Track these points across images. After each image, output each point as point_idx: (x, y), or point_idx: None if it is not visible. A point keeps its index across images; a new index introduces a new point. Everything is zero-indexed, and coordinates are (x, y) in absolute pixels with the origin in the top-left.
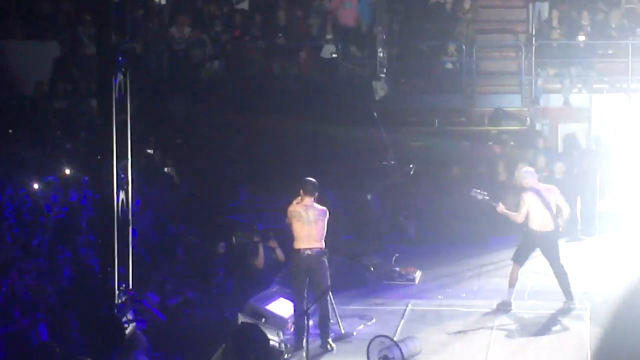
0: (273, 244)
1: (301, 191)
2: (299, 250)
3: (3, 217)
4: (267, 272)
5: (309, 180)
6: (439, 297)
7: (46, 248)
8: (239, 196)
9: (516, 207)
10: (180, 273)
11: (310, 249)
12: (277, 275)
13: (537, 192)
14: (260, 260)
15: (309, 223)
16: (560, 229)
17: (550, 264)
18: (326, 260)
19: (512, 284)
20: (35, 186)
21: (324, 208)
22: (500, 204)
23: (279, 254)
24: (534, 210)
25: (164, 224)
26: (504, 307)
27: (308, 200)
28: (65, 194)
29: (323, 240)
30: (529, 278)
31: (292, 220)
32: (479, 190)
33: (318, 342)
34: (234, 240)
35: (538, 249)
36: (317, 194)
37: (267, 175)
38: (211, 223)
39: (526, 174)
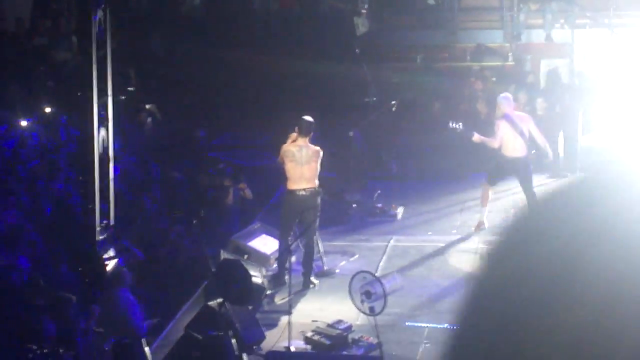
0: (242, 185)
1: (296, 129)
2: (293, 191)
3: None
4: (235, 209)
5: (305, 119)
6: (429, 233)
7: (27, 185)
8: (220, 133)
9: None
10: (162, 210)
11: (304, 189)
12: (259, 212)
13: (510, 119)
14: (230, 199)
15: (301, 164)
16: (550, 156)
17: (524, 191)
18: (319, 201)
19: (484, 204)
20: (23, 123)
21: (318, 148)
22: (475, 133)
23: (247, 193)
24: (506, 136)
25: (145, 161)
26: (479, 227)
27: (302, 140)
28: (46, 131)
29: (316, 180)
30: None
31: (285, 159)
32: (454, 122)
33: (300, 278)
34: (200, 182)
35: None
36: (312, 134)
37: (247, 111)
38: (193, 160)
39: (503, 100)
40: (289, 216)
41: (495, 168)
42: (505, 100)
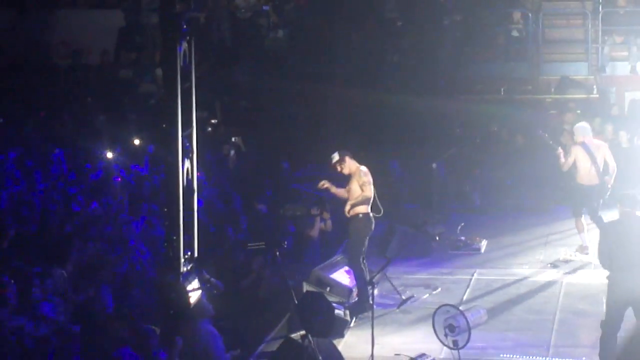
0: (326, 215)
1: (347, 157)
2: (369, 214)
3: (67, 186)
4: (316, 241)
5: (342, 151)
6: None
7: (112, 216)
8: (302, 165)
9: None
10: (245, 241)
11: (370, 213)
12: (341, 244)
13: (586, 147)
14: (315, 231)
15: (373, 187)
16: (609, 185)
17: (591, 218)
18: None
19: (581, 231)
20: (109, 155)
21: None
22: (560, 148)
23: (329, 224)
24: (580, 164)
25: (228, 193)
26: (582, 251)
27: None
28: (130, 163)
29: None
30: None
31: (369, 182)
32: (543, 131)
33: (384, 311)
34: (283, 213)
35: None
36: None
37: (327, 143)
38: (276, 192)
39: (581, 129)
40: (364, 241)
41: (574, 199)
42: (583, 129)
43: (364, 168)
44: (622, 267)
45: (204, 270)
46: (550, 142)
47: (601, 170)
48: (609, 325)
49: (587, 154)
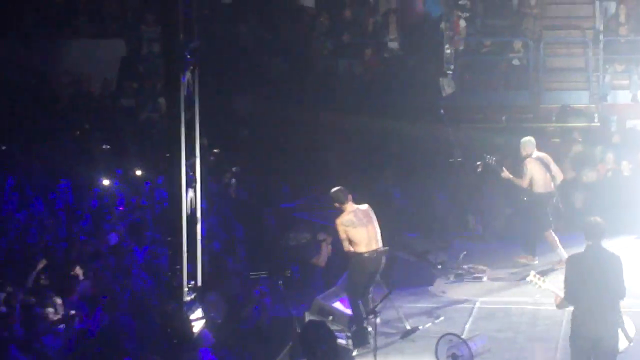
0: (329, 239)
1: (336, 204)
2: (365, 253)
3: (70, 216)
4: (319, 268)
5: (335, 190)
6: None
7: (114, 246)
8: (306, 193)
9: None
10: (247, 269)
11: (376, 250)
12: (343, 273)
13: (537, 159)
14: (322, 259)
15: (364, 224)
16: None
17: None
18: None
19: (555, 246)
20: (105, 182)
21: (366, 205)
22: (504, 169)
23: (329, 249)
24: (537, 175)
25: (229, 221)
26: (559, 264)
27: (349, 205)
28: (132, 192)
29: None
30: None
31: (347, 230)
32: (490, 157)
33: (386, 339)
34: (285, 242)
35: None
36: (350, 196)
37: (329, 172)
38: (277, 219)
39: (528, 143)
40: (362, 280)
41: (538, 211)
42: (530, 143)
43: (341, 219)
44: (585, 306)
45: (199, 304)
46: (494, 165)
47: (552, 177)
48: None
49: (541, 164)
